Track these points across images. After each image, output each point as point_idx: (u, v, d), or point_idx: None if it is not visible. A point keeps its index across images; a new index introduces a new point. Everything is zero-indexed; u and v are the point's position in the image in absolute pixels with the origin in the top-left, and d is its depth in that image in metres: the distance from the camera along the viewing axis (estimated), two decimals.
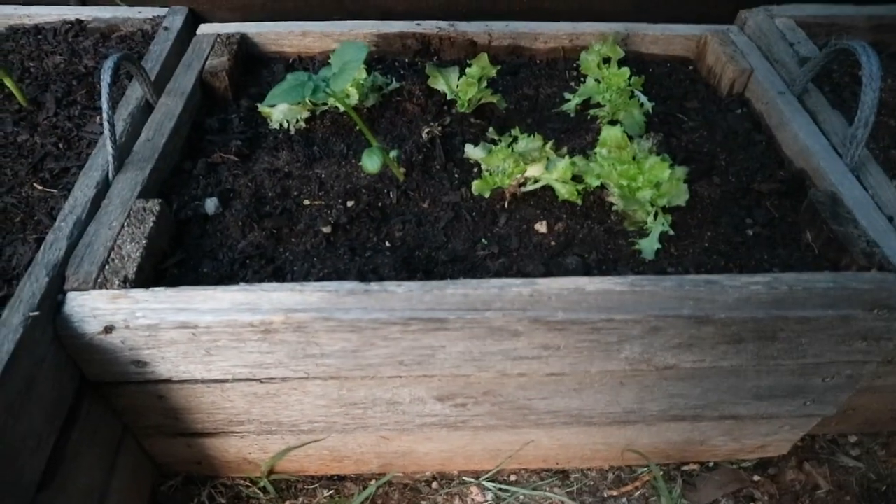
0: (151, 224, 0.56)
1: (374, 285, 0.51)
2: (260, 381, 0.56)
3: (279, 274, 0.57)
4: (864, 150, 0.66)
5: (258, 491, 0.70)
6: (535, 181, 0.63)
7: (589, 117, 0.75)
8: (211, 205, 0.62)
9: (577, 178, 0.63)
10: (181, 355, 0.53)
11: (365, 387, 0.58)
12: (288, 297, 0.51)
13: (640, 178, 0.59)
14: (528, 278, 0.52)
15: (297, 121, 0.72)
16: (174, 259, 0.57)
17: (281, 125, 0.72)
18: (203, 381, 0.56)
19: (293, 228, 0.62)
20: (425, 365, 0.54)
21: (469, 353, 0.53)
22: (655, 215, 0.60)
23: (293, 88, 0.53)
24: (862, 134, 0.64)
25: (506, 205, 0.63)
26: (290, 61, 0.84)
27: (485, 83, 0.72)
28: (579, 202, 0.62)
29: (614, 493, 0.71)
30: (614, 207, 0.62)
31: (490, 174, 0.62)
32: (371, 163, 0.58)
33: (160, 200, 0.58)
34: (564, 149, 0.65)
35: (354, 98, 0.72)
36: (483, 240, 0.61)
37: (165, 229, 0.58)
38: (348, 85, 0.71)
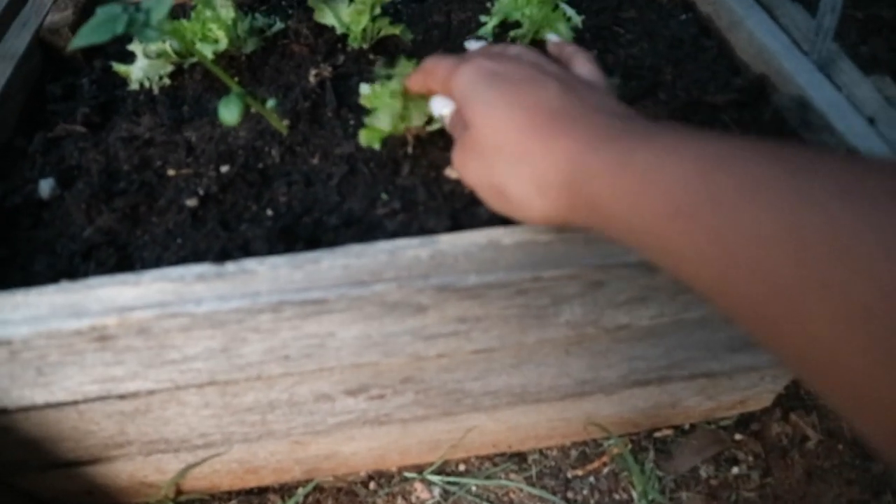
0: None
1: (229, 266, 0.40)
2: (121, 397, 0.46)
3: (127, 263, 0.46)
4: (833, 43, 0.55)
5: None
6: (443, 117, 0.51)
7: (510, 40, 0.63)
8: (46, 187, 0.50)
9: None
10: (8, 379, 0.42)
11: (253, 390, 0.47)
12: (119, 292, 0.39)
13: None
14: (427, 236, 0.41)
15: (161, 78, 0.60)
16: None
17: (142, 85, 0.60)
18: (50, 406, 0.45)
19: (153, 206, 0.50)
20: (317, 357, 0.44)
21: (367, 336, 0.43)
22: None
23: (103, 24, 0.41)
24: (830, 21, 0.53)
25: (409, 150, 0.52)
26: None
27: (378, 10, 0.60)
28: None
29: (579, 472, 0.62)
30: None
31: (379, 119, 0.50)
32: (229, 113, 0.46)
33: None
34: None
35: (223, 43, 0.59)
36: (383, 194, 0.49)
37: None
38: (215, 28, 0.59)
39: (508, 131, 0.37)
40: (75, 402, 0.46)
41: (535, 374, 0.51)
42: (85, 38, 0.41)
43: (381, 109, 0.49)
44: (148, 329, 0.40)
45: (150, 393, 0.46)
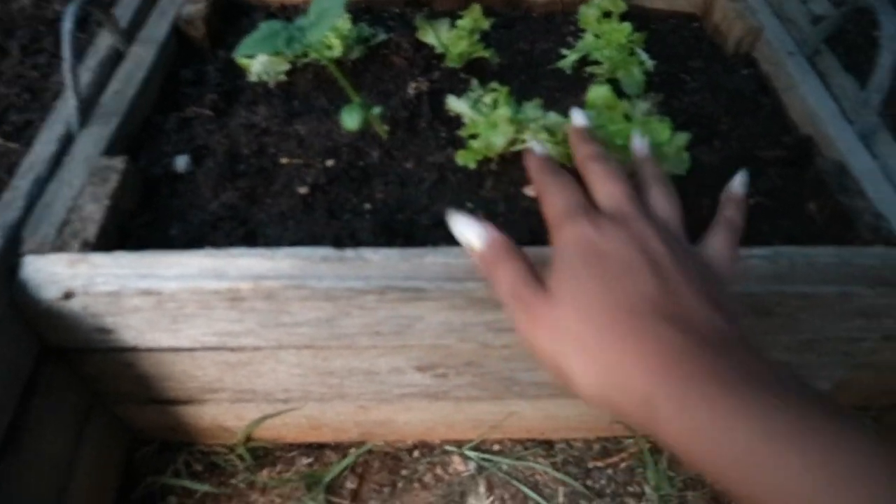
0: (115, 183, 0.53)
1: (349, 252, 0.48)
2: (231, 349, 0.54)
3: (251, 237, 0.54)
4: (876, 117, 0.62)
5: (235, 458, 0.69)
6: (523, 141, 0.59)
7: (586, 75, 0.71)
8: (182, 162, 0.59)
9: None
10: (146, 323, 0.50)
11: (341, 357, 0.55)
12: (257, 263, 0.48)
13: None
14: None
15: (278, 73, 0.68)
16: (140, 220, 0.54)
17: (260, 78, 0.68)
18: (171, 350, 0.54)
19: (269, 188, 0.58)
20: (403, 335, 0.52)
21: (449, 323, 0.51)
22: None
23: (266, 39, 0.49)
24: (876, 99, 0.60)
25: (493, 167, 0.60)
26: (272, 10, 0.79)
27: (476, 36, 0.68)
28: (569, 165, 0.59)
29: (599, 464, 0.70)
30: None
31: (478, 143, 0.58)
32: (350, 119, 0.54)
33: (125, 158, 0.54)
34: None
35: (338, 50, 0.67)
36: (468, 203, 0.57)
37: (132, 188, 0.55)
38: (332, 37, 0.67)
39: (587, 320, 0.36)
40: (192, 349, 0.54)
41: None
42: (248, 49, 0.49)
43: (482, 136, 0.57)
44: (273, 296, 0.48)
45: (256, 349, 0.54)
